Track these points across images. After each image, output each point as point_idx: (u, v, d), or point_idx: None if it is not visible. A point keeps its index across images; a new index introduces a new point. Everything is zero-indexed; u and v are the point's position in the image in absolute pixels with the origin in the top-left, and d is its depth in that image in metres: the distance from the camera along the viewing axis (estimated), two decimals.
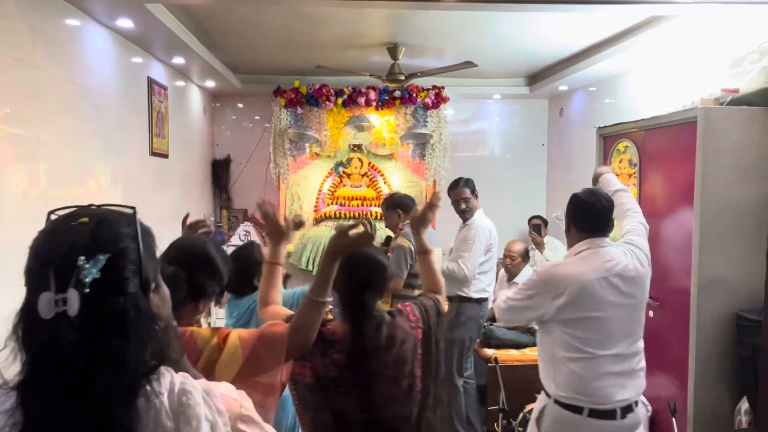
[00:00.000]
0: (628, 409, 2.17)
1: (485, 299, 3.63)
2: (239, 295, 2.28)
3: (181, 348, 1.24)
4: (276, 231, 1.78)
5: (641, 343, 2.23)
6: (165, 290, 0.91)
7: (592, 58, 4.07)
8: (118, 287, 0.77)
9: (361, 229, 1.54)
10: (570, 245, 2.30)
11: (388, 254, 3.48)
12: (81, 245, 0.75)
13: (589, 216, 2.22)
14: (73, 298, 0.72)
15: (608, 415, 2.15)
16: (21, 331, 0.74)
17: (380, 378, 1.65)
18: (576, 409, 2.16)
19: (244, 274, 2.20)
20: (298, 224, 1.85)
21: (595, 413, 2.15)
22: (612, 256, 2.18)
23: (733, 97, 2.74)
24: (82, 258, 0.73)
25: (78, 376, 0.73)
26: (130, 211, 0.83)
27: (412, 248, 3.30)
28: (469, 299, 3.57)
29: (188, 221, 2.02)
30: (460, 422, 3.60)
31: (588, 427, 2.17)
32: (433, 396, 1.77)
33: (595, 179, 2.64)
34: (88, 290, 0.73)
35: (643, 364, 2.23)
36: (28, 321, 0.74)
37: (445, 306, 1.95)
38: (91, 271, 0.73)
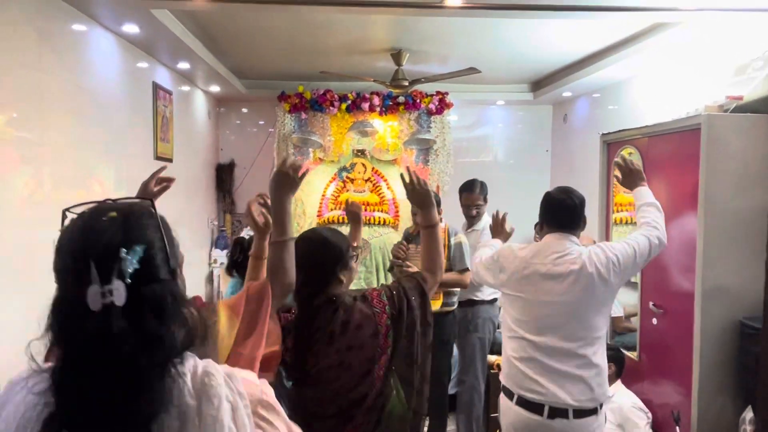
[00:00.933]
0: (559, 412, 2.12)
1: (497, 299, 3.63)
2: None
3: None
4: (255, 226, 1.78)
5: (588, 350, 2.16)
6: (182, 275, 0.96)
7: (596, 64, 4.07)
8: (153, 275, 0.82)
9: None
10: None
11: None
12: (118, 238, 0.80)
13: (557, 212, 2.30)
14: (120, 288, 0.77)
15: (534, 408, 2.14)
16: (60, 324, 0.79)
17: (331, 362, 1.65)
18: (509, 395, 2.23)
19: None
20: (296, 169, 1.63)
21: (522, 402, 2.17)
22: (561, 249, 2.20)
23: (737, 105, 2.73)
24: (124, 250, 0.79)
25: (123, 360, 0.78)
26: (147, 203, 0.89)
27: (467, 241, 3.45)
28: (483, 302, 3.60)
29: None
30: (477, 427, 3.56)
31: (516, 416, 2.19)
32: (403, 380, 1.73)
33: (635, 181, 2.45)
34: (129, 280, 0.78)
35: (586, 373, 2.14)
36: (69, 314, 0.78)
37: (433, 287, 1.84)
38: (132, 262, 0.79)
